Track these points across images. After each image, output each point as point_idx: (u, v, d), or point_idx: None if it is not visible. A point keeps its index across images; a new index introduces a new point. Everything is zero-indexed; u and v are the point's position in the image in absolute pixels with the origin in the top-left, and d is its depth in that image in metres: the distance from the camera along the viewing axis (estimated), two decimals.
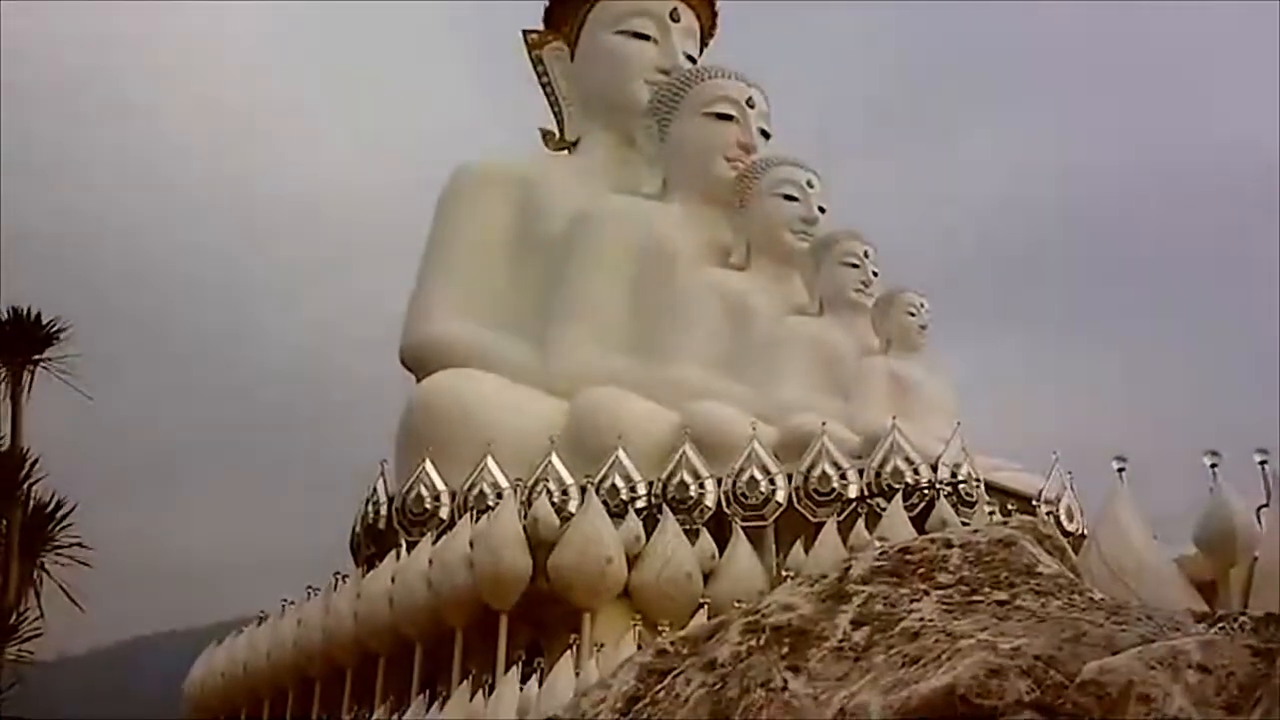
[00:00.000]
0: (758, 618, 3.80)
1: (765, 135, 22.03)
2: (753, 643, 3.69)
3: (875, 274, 20.42)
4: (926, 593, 3.69)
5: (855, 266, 20.33)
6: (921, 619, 3.55)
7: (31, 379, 13.00)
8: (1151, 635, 3.27)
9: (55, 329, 13.26)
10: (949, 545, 3.95)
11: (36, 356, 13.14)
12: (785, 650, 3.61)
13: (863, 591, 3.75)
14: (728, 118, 21.61)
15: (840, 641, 3.59)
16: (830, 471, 16.80)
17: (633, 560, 16.05)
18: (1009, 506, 15.85)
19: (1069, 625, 3.34)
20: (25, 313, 13.32)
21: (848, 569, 3.89)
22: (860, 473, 16.79)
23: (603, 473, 17.15)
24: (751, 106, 21.83)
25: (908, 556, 3.91)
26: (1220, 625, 3.37)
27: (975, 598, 3.63)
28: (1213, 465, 11.92)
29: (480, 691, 14.81)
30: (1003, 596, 3.60)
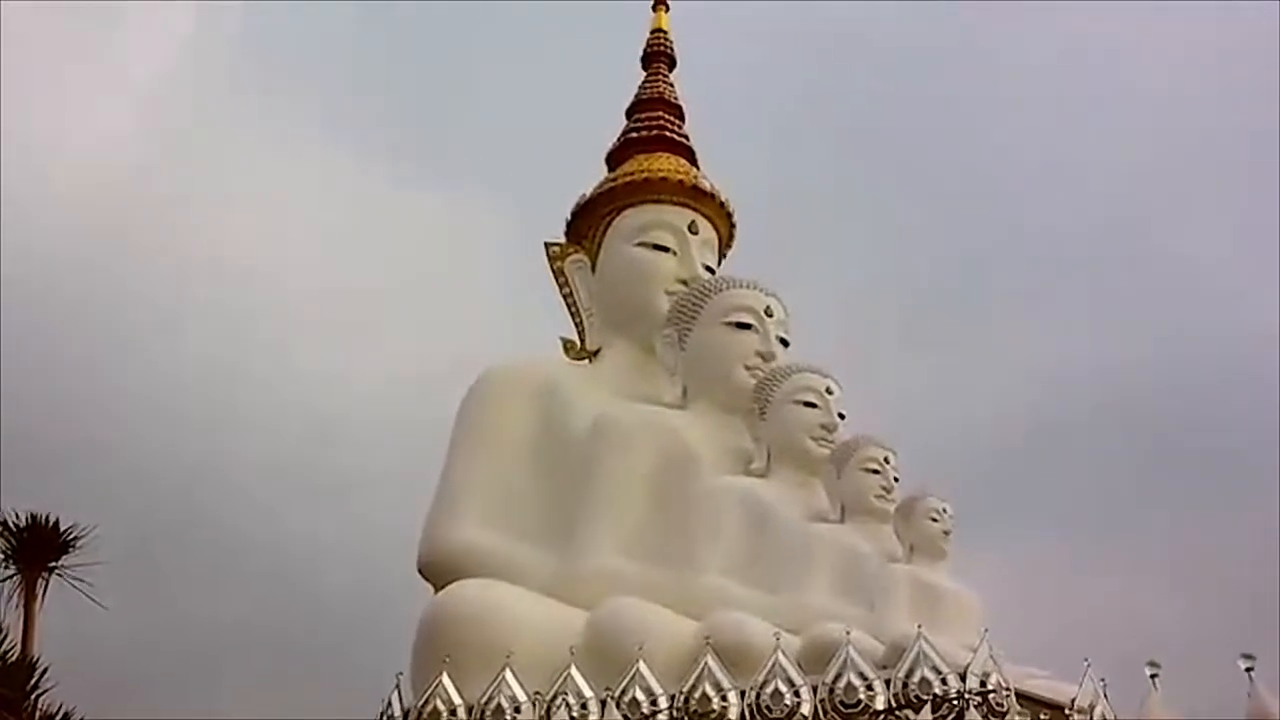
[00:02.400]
0: None
1: (784, 343, 22.30)
2: None
3: (897, 479, 20.36)
4: None
5: (876, 472, 20.28)
6: None
7: (46, 586, 12.91)
8: None
9: (72, 536, 13.25)
10: None
11: (52, 564, 13.08)
12: None
13: None
14: (746, 326, 21.91)
15: None
16: (856, 682, 16.35)
17: None
18: (1041, 716, 15.40)
19: None
20: (44, 519, 13.33)
21: None
22: (887, 683, 16.35)
23: (623, 685, 16.72)
24: (770, 315, 22.16)
25: None
26: None
27: None
28: (1248, 669, 11.63)
29: None
30: None
